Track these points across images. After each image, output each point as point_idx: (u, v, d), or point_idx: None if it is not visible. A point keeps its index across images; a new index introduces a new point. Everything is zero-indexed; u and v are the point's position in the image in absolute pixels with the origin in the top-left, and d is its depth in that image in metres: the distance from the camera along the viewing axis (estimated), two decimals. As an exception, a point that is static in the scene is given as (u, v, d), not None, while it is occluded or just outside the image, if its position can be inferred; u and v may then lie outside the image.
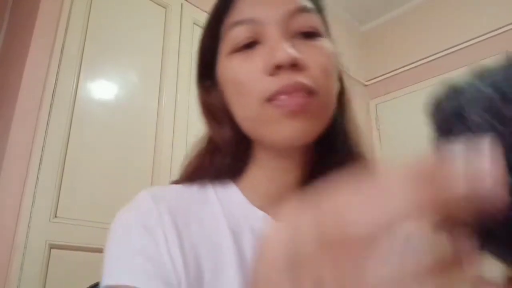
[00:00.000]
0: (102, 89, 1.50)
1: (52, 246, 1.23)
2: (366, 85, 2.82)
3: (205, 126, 0.52)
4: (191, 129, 1.69)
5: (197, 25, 1.89)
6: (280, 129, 0.41)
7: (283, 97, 0.41)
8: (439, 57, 2.45)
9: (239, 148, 0.48)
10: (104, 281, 0.39)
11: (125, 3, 1.65)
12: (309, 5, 0.46)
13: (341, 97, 0.51)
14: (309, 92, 0.41)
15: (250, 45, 0.44)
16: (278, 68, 0.41)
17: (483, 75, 0.21)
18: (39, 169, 1.26)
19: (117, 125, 1.49)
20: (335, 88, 0.47)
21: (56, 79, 1.37)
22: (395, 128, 2.58)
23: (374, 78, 2.76)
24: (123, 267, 0.39)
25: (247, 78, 0.43)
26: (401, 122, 2.55)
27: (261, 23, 0.44)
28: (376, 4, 2.71)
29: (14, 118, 1.28)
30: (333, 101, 0.46)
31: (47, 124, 1.32)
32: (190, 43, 1.82)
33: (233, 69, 0.44)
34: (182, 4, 1.86)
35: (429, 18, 2.53)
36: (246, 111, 0.44)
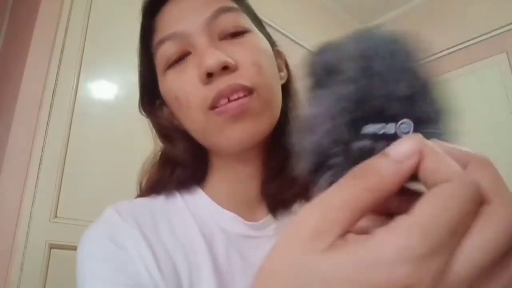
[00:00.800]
0: (102, 89, 1.50)
1: (52, 246, 1.23)
2: (366, 85, 2.82)
3: (160, 143, 0.52)
4: (191, 129, 1.69)
5: (197, 25, 1.89)
6: (228, 135, 0.42)
7: (223, 101, 0.41)
8: (439, 57, 2.45)
9: (197, 158, 0.48)
10: None
11: (125, 3, 1.65)
12: (229, 4, 0.46)
13: (288, 85, 0.51)
14: (247, 91, 0.41)
15: (181, 57, 0.44)
16: (210, 75, 0.41)
17: (362, 35, 0.23)
18: (39, 169, 1.26)
19: (117, 125, 1.49)
20: (274, 80, 0.46)
21: (56, 79, 1.37)
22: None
23: (374, 78, 2.76)
24: (98, 283, 0.38)
25: (184, 91, 0.43)
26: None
27: (185, 35, 0.43)
28: (376, 4, 2.71)
29: (14, 118, 1.28)
30: (276, 93, 0.46)
31: (47, 124, 1.31)
32: (190, 43, 1.83)
33: (170, 86, 0.44)
34: (182, 4, 1.85)
35: (429, 18, 2.53)
36: (193, 123, 0.44)
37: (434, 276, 0.16)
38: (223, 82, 0.41)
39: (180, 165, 0.48)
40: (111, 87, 1.52)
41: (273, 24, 1.96)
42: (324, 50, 0.24)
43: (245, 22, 0.46)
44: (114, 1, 1.62)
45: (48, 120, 1.32)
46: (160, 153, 0.53)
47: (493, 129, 2.14)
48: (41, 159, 1.28)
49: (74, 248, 1.44)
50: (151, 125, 0.54)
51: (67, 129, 1.35)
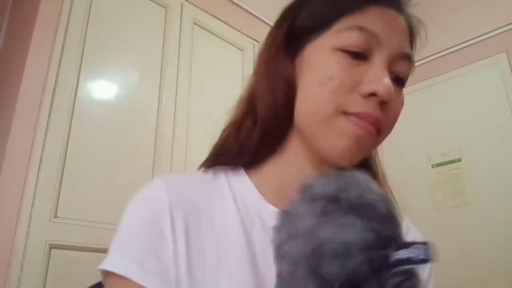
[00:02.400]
0: (102, 89, 1.50)
1: (52, 246, 1.23)
2: (366, 85, 2.82)
3: (253, 87, 0.50)
4: (191, 129, 1.69)
5: (197, 24, 1.89)
6: (338, 142, 0.43)
7: (357, 119, 0.42)
8: (439, 57, 2.45)
9: (276, 130, 0.47)
10: (103, 265, 0.40)
11: (125, 3, 1.65)
12: (412, 56, 0.48)
13: None
14: (377, 129, 0.44)
15: (356, 54, 0.44)
16: (371, 95, 0.42)
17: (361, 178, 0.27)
18: (39, 169, 1.27)
19: (117, 125, 1.49)
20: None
21: (56, 79, 1.37)
22: (395, 128, 2.57)
23: (374, 78, 2.76)
24: (120, 255, 0.40)
25: (342, 83, 0.43)
26: (401, 122, 2.54)
27: (378, 43, 0.44)
28: (376, 4, 2.70)
29: (14, 118, 1.28)
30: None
31: (47, 124, 1.32)
32: (190, 43, 1.82)
33: (335, 67, 0.44)
34: (182, 4, 1.86)
35: (429, 18, 2.51)
36: (320, 106, 0.44)
37: None
38: (373, 109, 0.42)
39: (252, 128, 0.48)
40: (111, 87, 1.52)
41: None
42: (356, 181, 0.26)
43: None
44: (114, 1, 1.62)
45: (48, 120, 1.32)
46: (236, 116, 0.51)
47: (493, 129, 2.14)
48: (41, 159, 1.28)
49: (74, 248, 1.45)
50: (262, 62, 0.50)
51: (67, 129, 1.35)
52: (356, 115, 0.42)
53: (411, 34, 0.50)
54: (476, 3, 2.37)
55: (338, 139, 0.43)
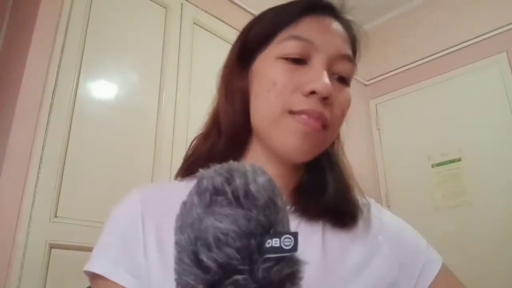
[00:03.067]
0: (102, 89, 1.50)
1: (52, 246, 1.23)
2: (366, 85, 2.82)
3: (217, 101, 0.55)
4: (191, 129, 1.69)
5: (197, 24, 1.89)
6: (288, 140, 0.47)
7: (304, 116, 0.47)
8: (439, 56, 2.45)
9: (238, 137, 0.51)
10: (85, 267, 0.45)
11: (125, 3, 1.65)
12: (352, 57, 0.53)
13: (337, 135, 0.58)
14: (325, 124, 0.48)
15: (297, 60, 0.49)
16: (312, 93, 0.47)
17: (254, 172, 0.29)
18: (39, 169, 1.27)
19: (117, 125, 1.49)
20: (340, 128, 0.54)
21: (56, 79, 1.37)
22: (395, 128, 2.58)
23: (374, 78, 2.76)
24: (98, 258, 0.46)
25: (285, 87, 0.48)
26: (401, 122, 2.55)
27: (315, 48, 0.49)
28: (376, 4, 2.71)
29: (14, 118, 1.28)
30: (335, 137, 0.54)
31: (47, 124, 1.32)
32: (190, 43, 1.82)
33: (278, 73, 0.49)
34: (182, 4, 1.86)
35: (429, 18, 2.54)
36: (269, 109, 0.48)
37: None
38: (316, 105, 0.47)
39: (217, 137, 0.52)
40: (111, 87, 1.52)
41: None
42: (242, 173, 0.28)
43: (352, 76, 0.53)
44: (114, 1, 1.62)
45: (48, 120, 1.32)
46: (202, 132, 0.55)
47: (493, 129, 2.14)
48: (41, 159, 1.28)
49: (74, 247, 1.44)
50: (222, 82, 0.56)
51: (67, 129, 1.35)
52: (300, 112, 0.46)
53: (352, 38, 0.54)
54: (476, 3, 2.37)
55: (288, 137, 0.47)
